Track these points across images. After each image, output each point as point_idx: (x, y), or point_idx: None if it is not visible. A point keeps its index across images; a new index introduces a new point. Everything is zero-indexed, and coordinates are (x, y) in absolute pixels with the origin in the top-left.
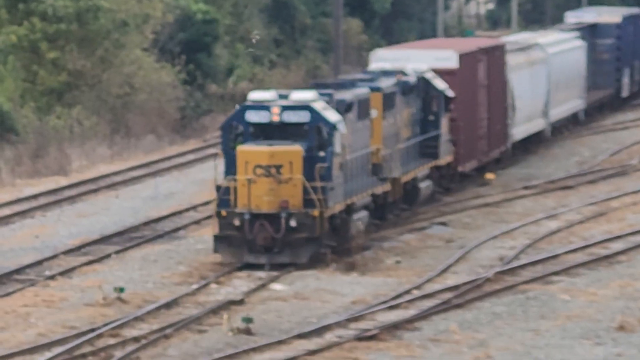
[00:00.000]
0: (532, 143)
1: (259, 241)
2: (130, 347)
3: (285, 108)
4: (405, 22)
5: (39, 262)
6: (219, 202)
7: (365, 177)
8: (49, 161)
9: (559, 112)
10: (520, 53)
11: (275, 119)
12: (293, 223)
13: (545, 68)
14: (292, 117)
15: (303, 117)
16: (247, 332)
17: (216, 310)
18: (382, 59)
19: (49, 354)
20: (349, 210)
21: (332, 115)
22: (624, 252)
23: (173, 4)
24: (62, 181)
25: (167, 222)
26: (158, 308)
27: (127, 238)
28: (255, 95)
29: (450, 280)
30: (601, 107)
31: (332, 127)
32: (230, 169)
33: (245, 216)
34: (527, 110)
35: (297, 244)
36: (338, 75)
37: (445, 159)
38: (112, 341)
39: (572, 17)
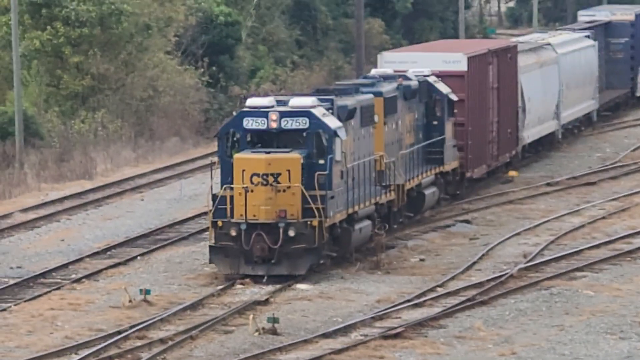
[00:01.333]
0: (544, 146)
1: (256, 252)
2: (156, 349)
3: (283, 114)
4: (426, 21)
5: (65, 266)
6: (214, 212)
7: (369, 186)
8: (74, 165)
9: (570, 113)
10: (531, 54)
11: (274, 125)
12: (291, 233)
13: (556, 69)
14: (290, 123)
15: (302, 123)
16: (273, 332)
17: (242, 310)
18: (390, 61)
19: (75, 357)
20: (351, 219)
21: (332, 122)
22: None
23: (195, 7)
24: (87, 185)
25: (192, 224)
26: (184, 309)
27: (152, 240)
28: (252, 102)
29: (475, 277)
30: (616, 107)
31: (332, 133)
32: (227, 177)
33: (242, 226)
34: (538, 113)
35: (296, 255)
36: (359, 75)
37: (450, 164)
38: (138, 343)
39: (585, 15)
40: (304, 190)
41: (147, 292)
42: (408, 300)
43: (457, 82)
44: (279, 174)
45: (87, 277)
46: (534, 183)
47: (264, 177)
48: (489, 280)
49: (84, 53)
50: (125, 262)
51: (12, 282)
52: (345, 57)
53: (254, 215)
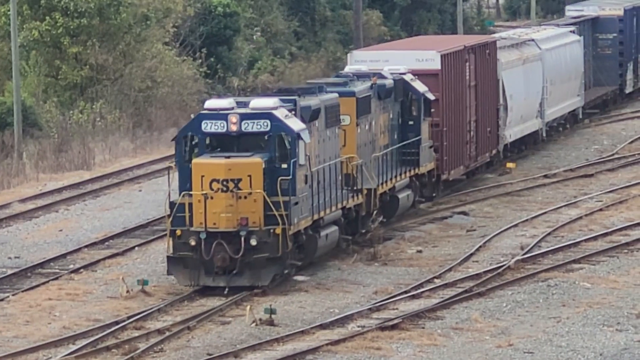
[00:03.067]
0: (527, 145)
1: (216, 262)
2: (154, 339)
3: (244, 117)
4: (424, 13)
5: (63, 256)
6: (172, 220)
7: (336, 190)
8: (72, 155)
9: (555, 111)
10: (513, 50)
11: (234, 128)
12: (253, 242)
13: (539, 65)
14: (251, 126)
15: (263, 126)
16: (270, 323)
17: (239, 301)
18: (361, 60)
19: (73, 347)
20: (317, 226)
21: (295, 124)
22: None
23: None
24: (86, 175)
25: None
26: (181, 300)
27: (150, 231)
28: (211, 103)
29: (472, 269)
30: (604, 105)
31: (295, 136)
32: (186, 183)
33: (201, 235)
34: (521, 111)
35: (258, 264)
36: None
37: (426, 166)
38: (136, 333)
39: (573, 10)
40: (266, 197)
41: (145, 282)
42: (405, 292)
43: (430, 81)
44: (240, 180)
45: (85, 267)
46: (532, 175)
47: (224, 183)
48: (486, 272)
49: (82, 43)
50: (123, 253)
51: (10, 272)
52: (344, 48)
53: (214, 224)
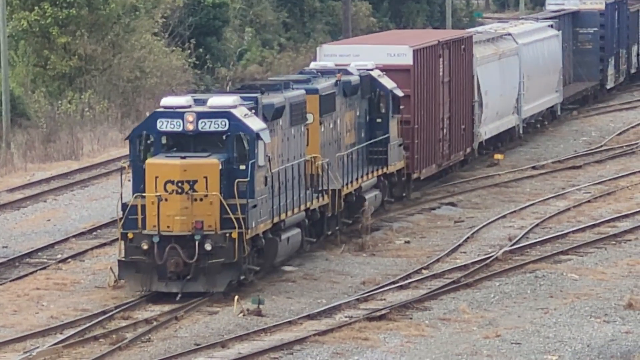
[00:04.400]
0: (503, 142)
1: (169, 267)
2: (141, 329)
3: (201, 115)
4: (413, 4)
5: (51, 246)
6: (124, 223)
7: (299, 191)
8: (61, 145)
9: (532, 107)
10: (489, 44)
11: (190, 127)
12: (208, 246)
13: (516, 60)
14: (208, 125)
15: (221, 125)
16: (257, 313)
17: (226, 292)
18: (330, 54)
19: (60, 337)
20: (277, 229)
21: (254, 123)
22: (632, 231)
23: None
24: (74, 165)
25: None
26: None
27: None
28: (167, 101)
29: (460, 260)
30: (584, 101)
31: (254, 136)
32: (139, 184)
33: (154, 239)
34: (497, 107)
35: (213, 270)
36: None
37: (395, 165)
38: (123, 323)
39: (553, 4)
40: (223, 199)
41: None
42: (393, 282)
43: (402, 77)
44: (196, 181)
45: (73, 257)
46: (520, 166)
47: (179, 184)
48: (474, 263)
49: (71, 34)
50: (111, 243)
51: None
52: (332, 39)
53: (168, 227)
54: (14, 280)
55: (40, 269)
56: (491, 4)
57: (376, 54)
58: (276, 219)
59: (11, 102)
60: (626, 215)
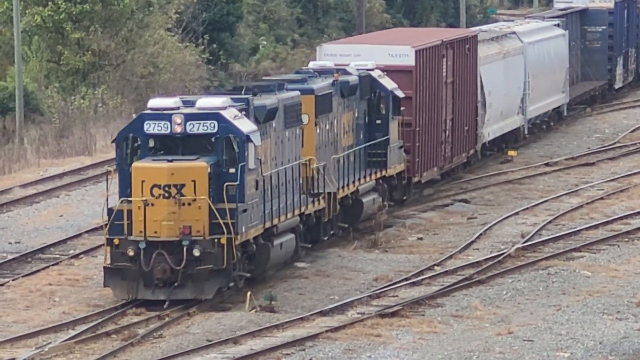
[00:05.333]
0: (507, 142)
1: (156, 274)
2: (153, 325)
3: (189, 117)
4: (427, 1)
5: (63, 241)
6: (110, 228)
7: (293, 195)
8: (74, 141)
9: (538, 107)
10: (493, 43)
11: (178, 130)
12: (196, 252)
13: (521, 59)
14: (197, 127)
15: (210, 127)
16: (270, 309)
17: (239, 288)
18: (330, 54)
19: (73, 332)
20: (269, 234)
21: (244, 125)
22: None
23: None
24: (87, 161)
25: None
26: None
27: None
28: (155, 103)
29: (472, 256)
30: (592, 101)
31: (244, 138)
32: (126, 189)
33: (140, 245)
34: (501, 108)
35: (202, 277)
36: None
37: (395, 168)
38: (135, 319)
39: (562, 2)
40: (211, 204)
41: None
42: (405, 279)
43: (404, 78)
44: (183, 185)
45: (85, 252)
46: (533, 163)
47: (166, 188)
48: (486, 260)
49: (85, 29)
50: None
51: (10, 257)
52: (346, 35)
53: (155, 232)
54: (26, 275)
55: (52, 265)
56: (505, 0)
57: (377, 54)
58: (268, 224)
59: (25, 97)
60: (639, 213)
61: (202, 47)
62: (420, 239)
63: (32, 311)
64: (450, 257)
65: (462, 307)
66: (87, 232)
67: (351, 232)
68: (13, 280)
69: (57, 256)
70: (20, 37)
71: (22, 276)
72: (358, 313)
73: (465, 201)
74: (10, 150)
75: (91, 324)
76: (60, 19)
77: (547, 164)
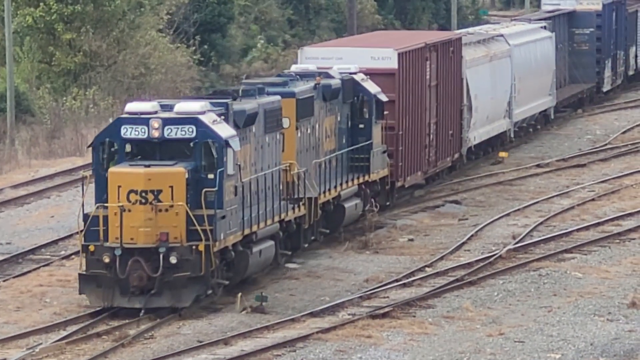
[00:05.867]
0: (494, 146)
1: (132, 281)
2: (144, 326)
3: (167, 122)
4: (419, 2)
5: (55, 242)
6: (86, 235)
7: (272, 201)
8: (65, 142)
9: (524, 111)
10: (479, 46)
11: (155, 134)
12: (173, 260)
13: (508, 62)
14: (175, 132)
15: (188, 132)
16: (261, 310)
17: (229, 289)
18: (312, 57)
19: (64, 333)
20: (249, 241)
21: (223, 130)
22: (636, 230)
23: None
24: (78, 161)
25: None
26: None
27: None
28: (132, 107)
29: (463, 258)
30: (579, 104)
31: (223, 144)
32: (102, 194)
33: (116, 251)
34: (487, 111)
35: (179, 284)
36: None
37: (378, 173)
38: (126, 320)
39: (549, 4)
40: (189, 210)
41: None
42: (396, 280)
43: (387, 81)
44: (160, 191)
45: (77, 253)
46: (524, 164)
47: (143, 194)
48: (477, 261)
49: (76, 30)
50: None
51: (1, 258)
52: (337, 36)
53: (131, 239)
54: (17, 276)
55: (43, 266)
56: (497, 1)
57: (360, 57)
58: (247, 231)
59: (16, 98)
60: (630, 214)
61: (194, 48)
62: (411, 240)
63: (23, 312)
64: (441, 258)
65: (453, 308)
66: (78, 233)
67: (342, 233)
68: (4, 281)
69: (48, 257)
70: (12, 38)
71: (13, 277)
72: (349, 314)
73: (457, 202)
74: (1, 151)
75: (82, 325)
76: (51, 19)
77: (538, 166)
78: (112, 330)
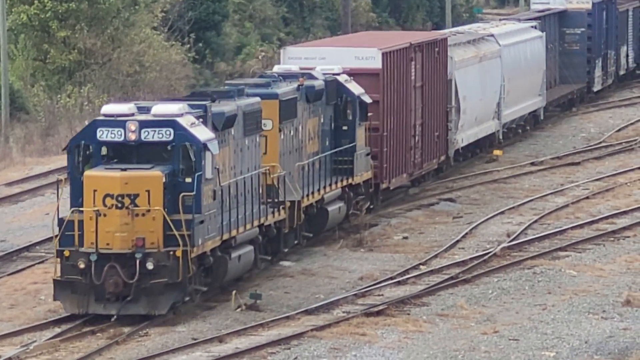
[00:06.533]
0: (482, 148)
1: (108, 287)
2: (139, 323)
3: (143, 124)
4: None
5: (49, 240)
6: (60, 240)
7: (252, 205)
8: (59, 139)
9: (513, 112)
10: (469, 46)
11: (132, 137)
12: (150, 265)
13: (498, 62)
14: (152, 135)
15: (165, 135)
16: (255, 308)
17: (224, 286)
18: (295, 57)
19: (58, 330)
20: (227, 246)
21: (201, 133)
22: (630, 228)
23: None
24: None
25: None
26: None
27: None
28: (108, 109)
29: (458, 255)
30: (570, 104)
31: (201, 147)
32: (77, 198)
33: (92, 257)
34: (476, 112)
35: (156, 291)
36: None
37: (362, 175)
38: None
39: (539, 3)
40: (166, 215)
41: None
42: (391, 278)
43: (371, 81)
44: (137, 195)
45: None
46: (519, 162)
47: (119, 198)
48: (472, 259)
49: (71, 27)
50: None
51: None
52: (332, 34)
53: (107, 244)
54: (11, 274)
55: (38, 263)
56: (491, 0)
57: (343, 57)
58: (226, 236)
59: (10, 95)
60: (624, 212)
61: (188, 45)
62: (406, 238)
63: (17, 309)
64: (436, 256)
65: (447, 306)
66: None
67: (337, 231)
68: None
69: (43, 254)
70: (6, 36)
71: (8, 274)
72: (343, 312)
73: (451, 200)
74: None
75: (76, 322)
76: (46, 17)
77: (532, 164)
78: (107, 327)
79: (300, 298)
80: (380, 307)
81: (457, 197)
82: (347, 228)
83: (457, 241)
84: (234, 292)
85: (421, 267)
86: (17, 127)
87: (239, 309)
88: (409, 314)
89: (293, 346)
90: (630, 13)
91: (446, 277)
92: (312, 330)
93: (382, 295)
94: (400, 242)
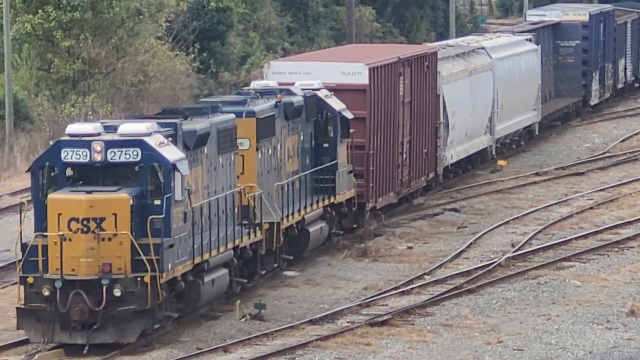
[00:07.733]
0: (474, 164)
1: (74, 315)
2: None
3: (110, 144)
4: (417, 10)
5: None
6: (24, 266)
7: (226, 227)
8: None
9: (507, 126)
10: (458, 60)
11: (98, 158)
12: (117, 292)
13: (490, 76)
14: (119, 155)
15: (133, 155)
16: (260, 318)
17: (229, 296)
18: (279, 72)
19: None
20: (200, 270)
21: (170, 153)
22: (634, 238)
23: None
24: None
25: None
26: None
27: None
28: (73, 128)
29: (462, 265)
30: (565, 118)
31: (170, 167)
32: (42, 222)
33: (56, 283)
34: (466, 128)
35: (124, 318)
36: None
37: (344, 194)
38: None
39: (534, 15)
40: (134, 239)
41: None
42: (395, 288)
43: (357, 97)
44: (103, 219)
45: None
46: (523, 173)
47: (85, 222)
48: (476, 269)
49: (75, 37)
50: None
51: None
52: (336, 44)
53: (72, 270)
54: (15, 283)
55: None
56: (495, 9)
57: (329, 72)
58: (198, 260)
59: (14, 105)
60: (629, 222)
61: (193, 55)
62: (410, 247)
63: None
64: (440, 266)
65: (451, 316)
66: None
67: (340, 241)
68: (2, 288)
69: None
70: (10, 45)
71: (12, 284)
72: (348, 322)
73: (456, 210)
74: (0, 158)
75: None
76: (50, 26)
77: (537, 174)
78: None
79: (304, 308)
80: (385, 317)
81: (461, 207)
82: (351, 238)
83: (462, 251)
84: (238, 302)
85: (425, 277)
86: (21, 136)
87: (243, 319)
88: (413, 324)
89: (298, 356)
90: (629, 25)
91: (450, 287)
92: (316, 340)
93: (387, 305)
94: (404, 252)
